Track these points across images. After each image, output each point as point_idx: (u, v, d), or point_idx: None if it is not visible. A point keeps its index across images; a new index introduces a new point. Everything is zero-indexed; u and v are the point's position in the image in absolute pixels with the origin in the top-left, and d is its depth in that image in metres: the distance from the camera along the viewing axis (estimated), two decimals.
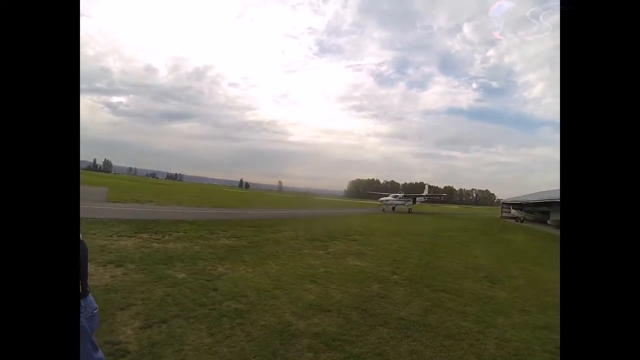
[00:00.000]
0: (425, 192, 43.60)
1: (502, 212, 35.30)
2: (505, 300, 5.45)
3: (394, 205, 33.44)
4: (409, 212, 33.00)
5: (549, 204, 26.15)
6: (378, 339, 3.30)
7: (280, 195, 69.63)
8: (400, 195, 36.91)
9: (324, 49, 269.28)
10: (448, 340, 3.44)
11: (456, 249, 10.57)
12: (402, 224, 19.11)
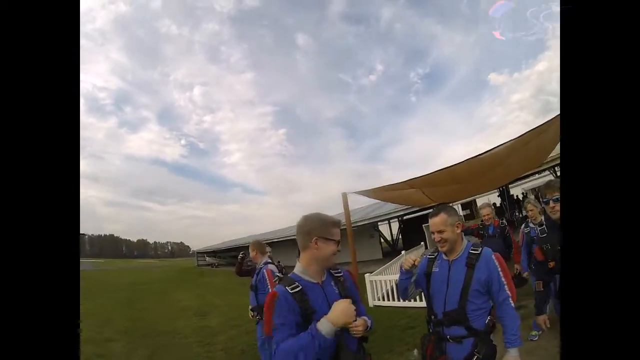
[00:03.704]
0: None
1: (197, 260, 38.55)
2: (218, 323, 6.91)
3: None
4: None
5: (237, 248, 29.97)
6: None
7: None
8: None
9: None
10: None
11: (159, 298, 11.74)
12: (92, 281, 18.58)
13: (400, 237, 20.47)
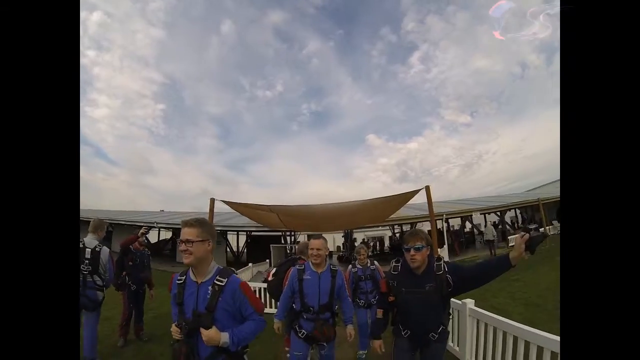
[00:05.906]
0: None
1: None
2: None
3: None
4: None
5: None
6: None
7: None
8: None
9: None
10: None
11: None
12: None
13: (245, 250, 21.41)
